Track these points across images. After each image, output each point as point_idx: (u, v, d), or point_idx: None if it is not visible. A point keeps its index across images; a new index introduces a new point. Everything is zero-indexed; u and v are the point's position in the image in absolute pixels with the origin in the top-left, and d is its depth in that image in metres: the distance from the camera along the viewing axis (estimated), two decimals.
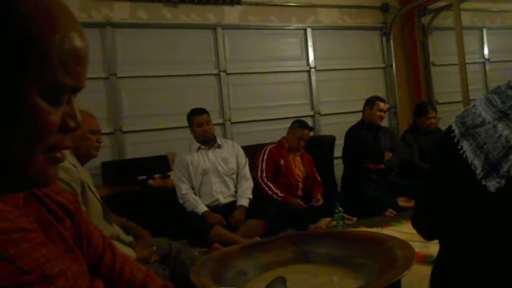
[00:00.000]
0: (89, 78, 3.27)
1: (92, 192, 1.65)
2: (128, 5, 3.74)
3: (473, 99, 4.17)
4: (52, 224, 0.54)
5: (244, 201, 2.97)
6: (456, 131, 0.83)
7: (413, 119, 3.92)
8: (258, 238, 2.39)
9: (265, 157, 3.27)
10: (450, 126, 0.86)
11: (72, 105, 0.48)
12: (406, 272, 1.14)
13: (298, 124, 3.38)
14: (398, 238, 1.46)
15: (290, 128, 3.40)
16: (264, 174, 3.20)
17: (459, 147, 0.81)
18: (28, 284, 0.37)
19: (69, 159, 1.60)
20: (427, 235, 1.06)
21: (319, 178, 3.37)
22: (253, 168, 3.30)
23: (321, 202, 3.16)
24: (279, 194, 3.10)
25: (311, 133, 3.57)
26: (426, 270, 1.71)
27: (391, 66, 4.79)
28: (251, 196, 3.04)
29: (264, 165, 3.23)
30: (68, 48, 0.45)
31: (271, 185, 3.15)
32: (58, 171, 0.49)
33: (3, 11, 0.41)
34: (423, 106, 3.85)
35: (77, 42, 0.46)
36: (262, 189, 3.16)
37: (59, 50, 0.44)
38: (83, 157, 1.73)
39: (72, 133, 0.48)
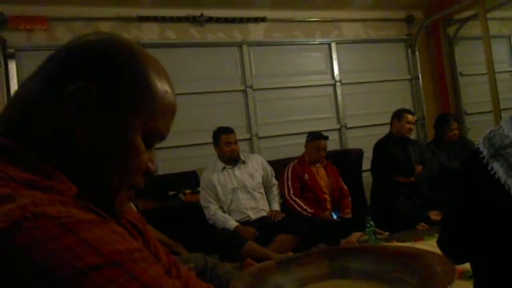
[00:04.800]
0: None
1: (131, 207, 1.70)
2: (156, 26, 3.87)
3: (504, 109, 4.08)
4: None
5: (277, 206, 3.17)
6: (485, 152, 0.84)
7: (435, 131, 3.87)
8: (290, 253, 2.39)
9: (289, 174, 3.29)
10: (478, 148, 0.87)
11: (154, 152, 0.57)
12: (448, 287, 1.12)
13: (312, 136, 3.39)
14: (436, 253, 1.43)
15: (306, 142, 3.42)
16: (291, 192, 3.22)
17: (489, 168, 0.82)
18: None
19: None
20: (457, 259, 1.06)
21: (346, 188, 3.35)
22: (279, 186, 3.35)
23: (349, 215, 3.16)
24: (308, 210, 3.11)
25: (328, 143, 3.57)
26: (464, 285, 1.68)
27: (417, 77, 4.75)
28: (281, 200, 3.22)
29: (289, 183, 3.26)
30: (167, 103, 0.55)
31: (299, 202, 3.17)
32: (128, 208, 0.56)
33: (138, 74, 0.53)
34: (445, 118, 3.83)
35: (173, 99, 0.57)
36: (291, 206, 3.17)
37: (163, 103, 0.54)
38: None
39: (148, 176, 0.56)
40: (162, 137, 0.56)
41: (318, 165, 3.37)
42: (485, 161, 0.84)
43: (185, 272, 0.69)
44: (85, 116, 0.49)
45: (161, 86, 0.54)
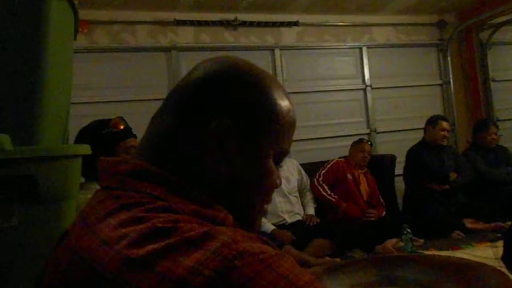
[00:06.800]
0: (155, 99, 3.45)
1: None
2: (192, 30, 3.94)
3: None
4: None
5: (312, 210, 3.22)
6: None
7: (472, 136, 3.84)
8: (327, 258, 2.42)
9: (328, 166, 3.40)
10: None
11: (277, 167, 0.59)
12: None
13: (358, 140, 3.54)
14: (488, 265, 1.45)
15: (351, 146, 3.49)
16: (320, 178, 3.32)
17: None
18: None
19: None
20: None
21: (382, 200, 3.38)
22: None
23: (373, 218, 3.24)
24: (333, 195, 3.20)
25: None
26: None
27: (449, 83, 4.71)
28: (315, 205, 3.27)
29: (323, 172, 3.37)
30: (291, 121, 0.58)
31: (326, 187, 3.26)
32: None
33: (265, 100, 0.55)
34: (484, 122, 3.82)
35: (294, 114, 0.59)
36: (316, 190, 3.28)
37: (288, 123, 0.57)
38: None
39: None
40: (287, 153, 0.58)
41: (360, 171, 3.43)
42: None
43: None
44: (225, 150, 0.51)
45: (285, 105, 0.56)
